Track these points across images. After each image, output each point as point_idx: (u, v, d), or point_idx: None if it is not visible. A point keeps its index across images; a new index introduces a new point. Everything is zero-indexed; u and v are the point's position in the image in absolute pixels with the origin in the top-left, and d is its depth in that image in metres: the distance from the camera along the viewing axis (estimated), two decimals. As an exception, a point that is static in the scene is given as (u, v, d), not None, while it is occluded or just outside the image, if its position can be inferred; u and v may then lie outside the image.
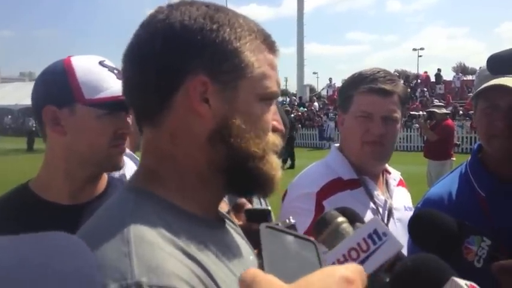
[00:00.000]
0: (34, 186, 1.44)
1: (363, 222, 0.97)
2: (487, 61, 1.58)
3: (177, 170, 0.88)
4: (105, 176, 1.54)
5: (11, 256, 0.41)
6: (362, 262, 0.84)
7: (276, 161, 0.93)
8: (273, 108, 0.94)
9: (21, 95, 38.10)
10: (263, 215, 1.40)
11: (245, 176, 0.89)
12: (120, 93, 1.33)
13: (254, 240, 1.12)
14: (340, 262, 0.85)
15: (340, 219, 0.92)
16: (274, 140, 0.93)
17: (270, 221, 1.39)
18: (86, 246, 0.48)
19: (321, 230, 0.92)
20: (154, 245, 0.75)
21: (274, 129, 0.93)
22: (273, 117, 0.93)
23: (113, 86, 1.38)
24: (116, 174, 1.94)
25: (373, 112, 1.73)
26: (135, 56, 0.89)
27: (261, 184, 0.92)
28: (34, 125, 27.83)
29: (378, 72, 1.76)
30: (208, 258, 0.82)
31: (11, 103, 38.19)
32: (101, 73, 1.40)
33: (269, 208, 1.45)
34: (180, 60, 0.85)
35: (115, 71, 1.42)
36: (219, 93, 0.86)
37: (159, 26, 0.87)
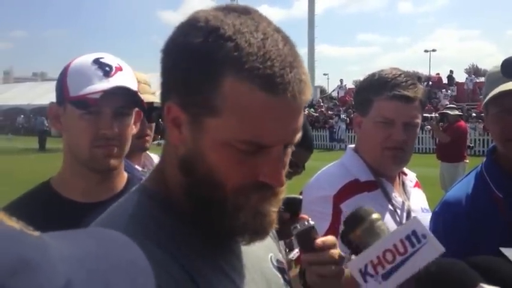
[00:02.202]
0: (54, 183, 1.46)
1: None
2: (502, 64, 1.55)
3: (170, 175, 0.88)
4: (124, 174, 1.53)
5: (77, 249, 0.42)
6: (398, 266, 0.78)
7: (248, 214, 0.81)
8: (272, 157, 0.79)
9: (33, 95, 38.57)
10: (295, 204, 1.36)
11: (202, 216, 0.84)
12: (100, 91, 1.32)
13: (283, 232, 1.11)
14: (373, 264, 0.80)
15: (375, 215, 0.87)
16: (253, 196, 0.80)
17: (300, 211, 1.35)
18: (132, 241, 0.49)
19: (355, 227, 0.87)
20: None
21: (265, 183, 0.80)
22: (267, 168, 0.79)
23: (94, 84, 1.35)
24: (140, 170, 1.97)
25: (395, 118, 1.69)
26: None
27: (223, 229, 0.84)
28: (46, 124, 28.11)
29: (400, 76, 1.71)
30: (199, 261, 0.82)
31: (23, 103, 38.58)
32: (87, 70, 1.37)
33: (300, 197, 1.41)
34: (168, 77, 0.83)
35: (106, 69, 1.38)
36: (187, 124, 0.81)
37: (170, 35, 0.84)
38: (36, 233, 0.39)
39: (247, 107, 0.75)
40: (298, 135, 0.81)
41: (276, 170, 0.80)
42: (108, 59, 1.42)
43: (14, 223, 0.38)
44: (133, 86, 1.42)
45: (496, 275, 0.80)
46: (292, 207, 1.33)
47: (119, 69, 1.41)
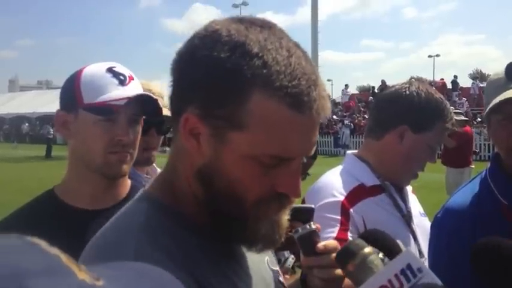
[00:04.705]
0: (58, 191, 1.47)
1: (393, 244, 0.90)
2: (506, 68, 1.54)
3: (180, 184, 0.88)
4: (127, 181, 1.54)
5: None
6: None
7: (268, 226, 0.84)
8: (291, 170, 0.82)
9: (38, 103, 38.73)
10: (307, 213, 1.35)
11: (221, 229, 0.85)
12: (119, 99, 1.35)
13: (287, 242, 1.11)
14: None
15: (367, 249, 0.83)
16: (271, 207, 0.83)
17: (312, 220, 1.35)
18: (179, 283, 0.50)
19: (346, 263, 0.84)
20: (154, 261, 0.75)
21: (283, 193, 0.83)
22: (287, 180, 0.82)
23: (112, 92, 1.37)
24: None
25: (437, 147, 1.79)
26: (173, 63, 0.87)
27: (242, 241, 0.87)
28: (52, 132, 28.22)
29: (449, 105, 1.80)
30: (209, 272, 0.82)
31: (28, 111, 38.78)
32: (102, 78, 1.40)
33: (313, 206, 1.41)
34: (187, 88, 0.82)
35: (121, 77, 1.41)
36: (208, 136, 0.80)
37: (190, 46, 0.83)
38: (100, 283, 0.39)
39: (274, 123, 0.76)
40: (315, 147, 0.84)
41: (295, 182, 0.83)
42: (120, 68, 1.44)
43: (84, 274, 0.38)
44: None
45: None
46: (304, 216, 1.33)
47: (132, 78, 1.44)
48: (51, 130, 29.63)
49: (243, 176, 0.80)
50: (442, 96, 1.76)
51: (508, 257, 1.01)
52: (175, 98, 0.85)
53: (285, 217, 0.87)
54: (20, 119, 40.72)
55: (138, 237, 0.80)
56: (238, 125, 0.77)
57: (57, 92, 1.56)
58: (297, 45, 0.81)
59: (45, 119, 36.80)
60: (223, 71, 0.76)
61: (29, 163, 21.67)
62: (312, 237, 1.01)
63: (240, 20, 0.81)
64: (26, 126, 40.92)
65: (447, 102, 1.78)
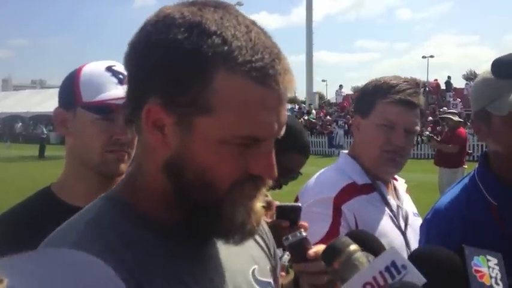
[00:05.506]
0: (55, 189, 1.47)
1: (379, 246, 0.90)
2: (492, 65, 1.53)
3: (145, 182, 0.84)
4: None
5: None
6: None
7: (244, 212, 0.80)
8: (264, 150, 0.78)
9: (32, 102, 38.43)
10: (294, 212, 1.35)
11: (197, 220, 0.81)
12: (118, 98, 1.34)
13: (278, 239, 1.10)
14: None
15: (353, 247, 0.83)
16: (246, 190, 0.79)
17: (299, 219, 1.34)
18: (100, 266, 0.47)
19: (332, 260, 0.84)
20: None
21: (257, 175, 0.79)
22: (260, 161, 0.78)
23: (111, 91, 1.38)
24: None
25: (397, 123, 1.72)
26: (125, 56, 0.82)
27: (220, 232, 0.82)
28: (45, 132, 28.06)
29: (404, 82, 1.75)
30: (158, 272, 0.78)
31: (22, 110, 38.51)
32: (101, 77, 1.40)
33: (299, 204, 1.41)
34: (144, 78, 0.77)
35: (120, 76, 1.41)
36: (173, 126, 0.76)
37: (143, 34, 0.79)
38: (4, 284, 0.38)
39: (242, 101, 0.73)
40: (284, 128, 0.80)
41: (268, 162, 0.79)
42: (120, 67, 1.44)
43: None
44: None
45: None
46: (291, 215, 1.33)
47: None
48: (45, 130, 29.50)
49: (215, 162, 0.76)
50: (387, 79, 1.78)
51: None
52: (134, 92, 0.81)
53: (260, 204, 0.83)
54: (13, 118, 40.42)
55: (81, 232, 0.78)
56: (204, 108, 0.73)
57: (51, 92, 1.57)
58: (254, 23, 0.79)
59: (38, 119, 36.60)
60: (181, 53, 0.72)
61: (23, 163, 21.53)
62: (303, 244, 1.00)
63: (192, 3, 0.78)
64: (19, 125, 40.64)
65: (402, 79, 1.78)
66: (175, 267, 0.81)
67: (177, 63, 0.73)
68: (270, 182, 0.84)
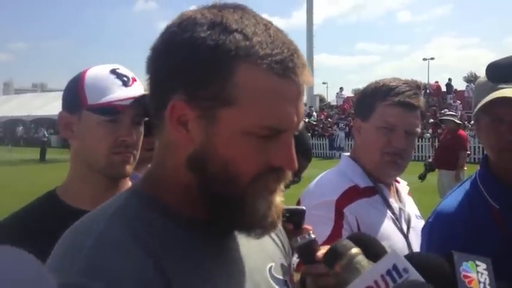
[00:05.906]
0: (60, 192, 1.47)
1: (381, 249, 0.90)
2: (486, 69, 1.53)
3: (168, 177, 0.86)
4: (128, 183, 1.53)
5: None
6: None
7: (265, 205, 0.82)
8: (284, 142, 0.81)
9: (33, 105, 38.52)
10: (298, 215, 1.35)
11: (221, 213, 0.83)
12: (123, 100, 1.37)
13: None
14: None
15: (354, 250, 0.83)
16: (268, 182, 0.82)
17: (303, 222, 1.34)
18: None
19: (333, 263, 0.84)
20: (112, 244, 0.76)
21: (278, 167, 0.82)
22: (281, 153, 0.81)
23: (116, 93, 1.39)
24: None
25: (397, 125, 1.72)
26: (148, 60, 0.85)
27: (242, 225, 0.84)
28: (46, 135, 28.09)
29: (403, 84, 1.75)
30: (182, 264, 0.80)
31: (23, 114, 38.58)
32: (106, 79, 1.41)
33: (304, 208, 1.41)
34: (168, 77, 0.80)
35: (124, 79, 1.42)
36: (197, 120, 0.79)
37: (166, 36, 0.82)
38: None
39: (263, 93, 0.77)
40: (302, 123, 0.84)
41: (289, 154, 0.82)
42: (123, 70, 1.45)
43: None
44: None
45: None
46: (295, 218, 1.33)
47: (135, 80, 1.45)
48: (46, 133, 29.54)
49: (238, 154, 0.79)
50: (386, 81, 1.78)
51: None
52: (156, 93, 0.83)
53: (280, 198, 0.85)
54: (14, 121, 40.46)
55: (108, 221, 0.80)
56: (227, 101, 0.77)
57: (52, 95, 1.57)
58: (271, 22, 0.82)
59: (40, 122, 36.67)
60: (205, 49, 0.76)
61: (24, 166, 21.55)
62: (312, 246, 1.00)
63: (212, 6, 0.82)
64: (20, 129, 40.67)
65: (401, 82, 1.78)
66: (198, 259, 0.83)
67: (201, 59, 0.77)
68: (290, 176, 0.85)
